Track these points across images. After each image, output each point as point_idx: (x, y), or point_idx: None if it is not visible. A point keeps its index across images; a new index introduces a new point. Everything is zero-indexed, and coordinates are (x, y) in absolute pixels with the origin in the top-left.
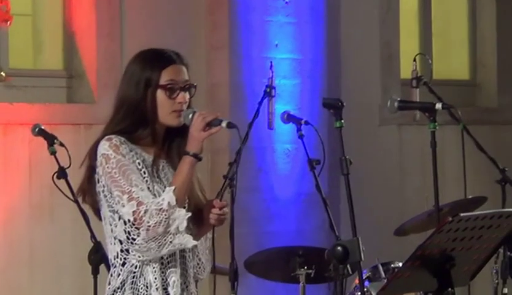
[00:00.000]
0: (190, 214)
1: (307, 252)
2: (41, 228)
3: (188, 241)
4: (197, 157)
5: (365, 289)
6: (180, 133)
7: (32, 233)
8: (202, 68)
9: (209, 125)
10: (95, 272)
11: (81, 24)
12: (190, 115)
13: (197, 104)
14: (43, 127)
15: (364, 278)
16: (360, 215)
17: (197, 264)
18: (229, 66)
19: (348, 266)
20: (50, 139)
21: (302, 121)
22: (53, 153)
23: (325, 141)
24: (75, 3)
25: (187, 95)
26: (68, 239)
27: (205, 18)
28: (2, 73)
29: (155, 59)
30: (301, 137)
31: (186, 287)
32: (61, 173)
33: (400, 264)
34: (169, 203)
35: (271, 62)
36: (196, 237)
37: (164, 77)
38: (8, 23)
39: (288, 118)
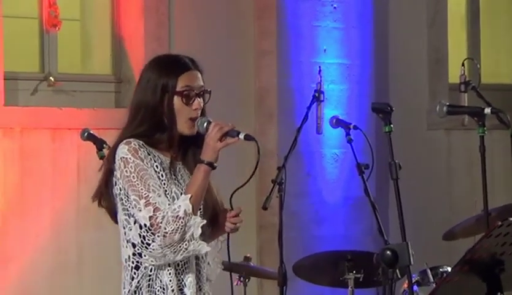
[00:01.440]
0: (204, 221)
1: (355, 257)
2: (89, 232)
3: (202, 247)
4: (212, 166)
5: (414, 294)
6: (194, 140)
7: (81, 237)
8: (251, 73)
9: (226, 135)
10: None
11: (129, 29)
12: (205, 124)
13: (245, 109)
14: (92, 132)
15: (413, 282)
16: (409, 219)
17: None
18: (277, 71)
19: (397, 270)
20: (99, 144)
21: (351, 126)
22: (102, 157)
23: (373, 145)
24: (123, 8)
25: (202, 101)
26: (116, 243)
27: (254, 23)
28: (51, 78)
29: (171, 66)
30: (349, 142)
31: (200, 287)
32: None
33: (449, 268)
34: (185, 210)
35: (320, 67)
36: (209, 239)
37: (181, 84)
38: (57, 28)
39: (337, 123)
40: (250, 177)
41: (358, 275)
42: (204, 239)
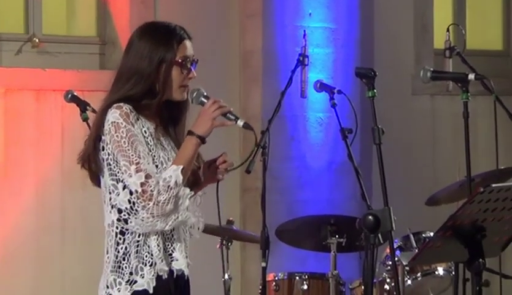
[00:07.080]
0: (192, 193)
1: (338, 221)
2: (73, 194)
3: (189, 218)
4: (203, 141)
5: (396, 259)
6: (175, 107)
7: (64, 199)
8: (236, 36)
9: (224, 115)
10: None
11: None
12: (202, 98)
13: (230, 72)
14: (75, 93)
15: (395, 247)
16: (392, 184)
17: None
18: (262, 34)
19: (379, 235)
20: (83, 106)
21: (335, 90)
22: (86, 119)
23: (357, 110)
24: None
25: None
26: (99, 205)
27: None
28: (35, 39)
29: (168, 37)
30: (333, 106)
31: (182, 251)
32: None
33: (431, 234)
34: (176, 181)
35: (304, 31)
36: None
37: (179, 54)
38: None
39: (321, 87)
40: (245, 161)
41: (341, 240)
42: None
